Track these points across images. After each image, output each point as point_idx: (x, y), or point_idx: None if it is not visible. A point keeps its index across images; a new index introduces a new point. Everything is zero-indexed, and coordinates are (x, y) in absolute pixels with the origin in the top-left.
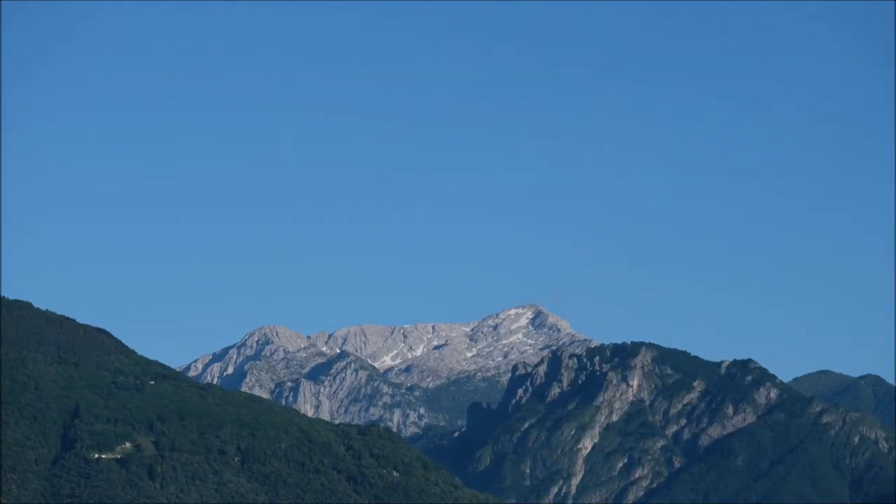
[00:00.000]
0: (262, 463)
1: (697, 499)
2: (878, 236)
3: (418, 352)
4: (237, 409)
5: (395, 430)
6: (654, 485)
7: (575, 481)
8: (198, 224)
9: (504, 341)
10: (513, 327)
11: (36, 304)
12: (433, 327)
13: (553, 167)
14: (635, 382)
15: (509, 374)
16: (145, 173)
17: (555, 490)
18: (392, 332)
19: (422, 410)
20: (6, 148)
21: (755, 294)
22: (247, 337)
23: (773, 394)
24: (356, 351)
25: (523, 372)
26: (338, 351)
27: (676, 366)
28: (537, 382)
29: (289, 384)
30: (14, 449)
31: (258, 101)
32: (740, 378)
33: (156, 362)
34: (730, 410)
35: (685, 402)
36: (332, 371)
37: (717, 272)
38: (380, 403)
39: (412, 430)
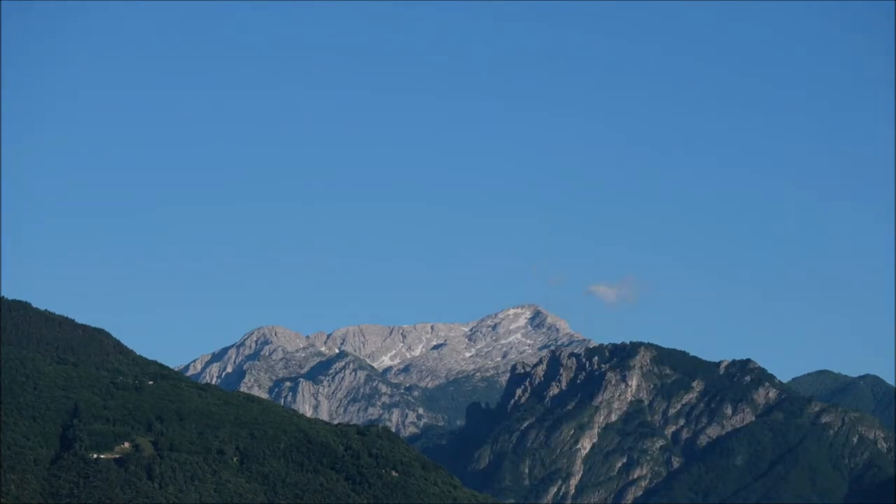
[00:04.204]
0: (260, 463)
1: (696, 498)
2: (878, 236)
3: (417, 352)
4: (236, 409)
5: (393, 429)
6: (653, 485)
7: (574, 481)
8: (197, 224)
9: (503, 341)
10: (511, 327)
11: (35, 304)
12: (432, 327)
13: (552, 166)
14: (634, 382)
15: (508, 374)
16: (145, 174)
17: (554, 490)
18: (391, 332)
19: (420, 410)
20: (6, 148)
21: (754, 294)
22: (246, 337)
23: (772, 394)
24: (355, 351)
25: (522, 372)
26: (336, 351)
27: (675, 366)
28: (536, 382)
29: (287, 384)
30: (13, 449)
31: (258, 102)
32: (739, 378)
33: (154, 362)
34: (728, 410)
35: (684, 401)
36: (331, 371)
37: (716, 272)
38: (378, 403)
39: (411, 429)
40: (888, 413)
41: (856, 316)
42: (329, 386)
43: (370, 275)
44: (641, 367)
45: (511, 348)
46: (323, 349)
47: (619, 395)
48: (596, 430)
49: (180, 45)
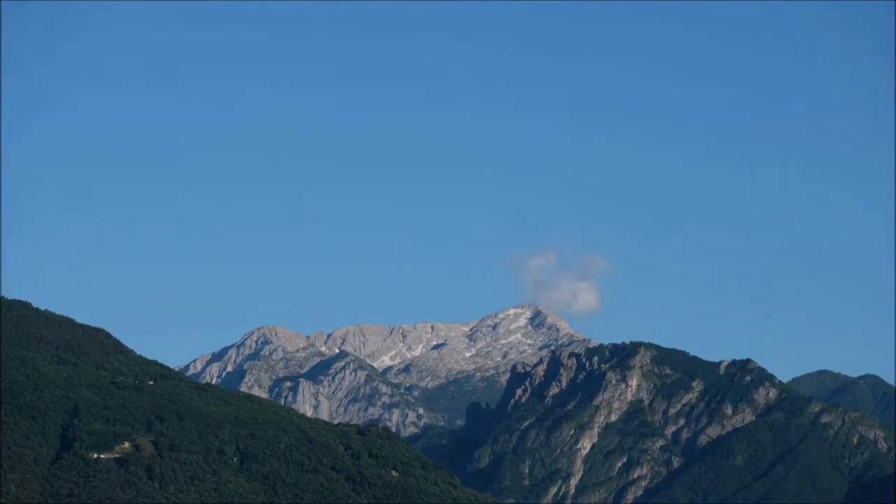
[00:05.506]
0: (260, 463)
1: (696, 499)
2: (878, 236)
3: (417, 351)
4: (236, 409)
5: (393, 429)
6: (653, 485)
7: (574, 481)
8: (197, 223)
9: (503, 341)
10: (512, 327)
11: (35, 304)
12: (432, 327)
13: (551, 165)
14: (634, 382)
15: (508, 374)
16: (145, 173)
17: (554, 490)
18: (391, 332)
19: (421, 410)
20: (6, 148)
21: (754, 294)
22: (246, 337)
23: (772, 394)
24: (355, 351)
25: (522, 372)
26: (337, 351)
27: (675, 366)
28: (536, 382)
29: (288, 384)
30: (13, 449)
31: (258, 101)
32: (739, 378)
33: (155, 362)
34: (729, 410)
35: (684, 401)
36: (331, 371)
37: (717, 272)
38: (379, 403)
39: (411, 429)
40: (888, 413)
41: (856, 316)
42: (329, 386)
43: (370, 275)
44: (641, 367)
45: (511, 348)
46: (323, 349)
47: (619, 395)
48: (596, 430)
49: (180, 45)
